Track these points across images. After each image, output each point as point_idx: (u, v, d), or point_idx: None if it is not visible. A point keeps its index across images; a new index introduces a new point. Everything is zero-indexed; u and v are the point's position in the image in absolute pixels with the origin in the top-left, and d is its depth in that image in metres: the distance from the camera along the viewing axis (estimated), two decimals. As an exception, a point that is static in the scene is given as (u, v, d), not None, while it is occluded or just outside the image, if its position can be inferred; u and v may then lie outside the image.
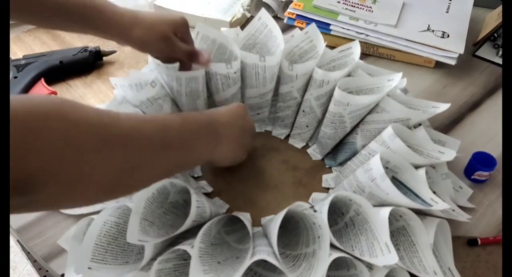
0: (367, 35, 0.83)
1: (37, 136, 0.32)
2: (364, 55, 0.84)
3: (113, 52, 0.82)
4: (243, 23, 0.91)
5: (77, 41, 0.86)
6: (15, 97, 0.33)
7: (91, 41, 0.86)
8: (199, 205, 0.49)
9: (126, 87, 0.62)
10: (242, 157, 0.61)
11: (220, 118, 0.55)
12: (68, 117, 0.35)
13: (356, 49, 0.65)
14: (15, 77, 0.74)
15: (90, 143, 0.36)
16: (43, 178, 0.33)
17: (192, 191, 0.49)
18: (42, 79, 0.74)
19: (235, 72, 0.62)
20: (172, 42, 0.60)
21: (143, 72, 0.68)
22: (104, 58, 0.82)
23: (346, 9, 0.85)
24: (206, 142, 0.52)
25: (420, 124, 0.60)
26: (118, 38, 0.59)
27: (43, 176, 0.33)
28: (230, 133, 0.55)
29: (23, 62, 0.77)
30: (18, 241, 0.67)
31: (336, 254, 0.46)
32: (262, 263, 0.49)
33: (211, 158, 0.54)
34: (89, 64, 0.80)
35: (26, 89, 0.72)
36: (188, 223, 0.48)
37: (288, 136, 0.69)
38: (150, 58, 0.64)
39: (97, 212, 0.52)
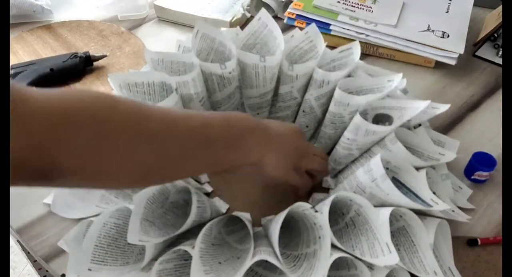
0: (367, 35, 0.83)
1: (67, 129, 0.33)
2: (364, 55, 0.84)
3: (103, 56, 0.80)
4: (243, 23, 0.91)
5: (78, 41, 0.86)
6: (53, 91, 0.34)
7: (91, 41, 0.86)
8: (199, 205, 0.49)
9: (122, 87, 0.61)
10: (295, 181, 0.55)
11: (271, 125, 0.51)
12: (100, 113, 0.36)
13: (356, 49, 0.65)
14: None
15: (121, 138, 0.37)
16: (69, 169, 0.34)
17: (193, 191, 0.49)
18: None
19: (230, 72, 0.61)
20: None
21: (143, 71, 0.68)
22: (95, 63, 0.80)
23: (346, 9, 0.85)
24: (256, 141, 0.48)
25: (420, 125, 0.60)
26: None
27: (69, 166, 0.34)
28: (282, 143, 0.51)
29: (12, 72, 0.74)
30: (18, 241, 0.67)
31: (337, 254, 0.46)
32: (263, 263, 0.49)
33: (260, 160, 0.49)
34: (80, 70, 0.78)
35: None
36: (189, 223, 0.48)
37: (288, 136, 0.69)
38: (148, 58, 0.64)
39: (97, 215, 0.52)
